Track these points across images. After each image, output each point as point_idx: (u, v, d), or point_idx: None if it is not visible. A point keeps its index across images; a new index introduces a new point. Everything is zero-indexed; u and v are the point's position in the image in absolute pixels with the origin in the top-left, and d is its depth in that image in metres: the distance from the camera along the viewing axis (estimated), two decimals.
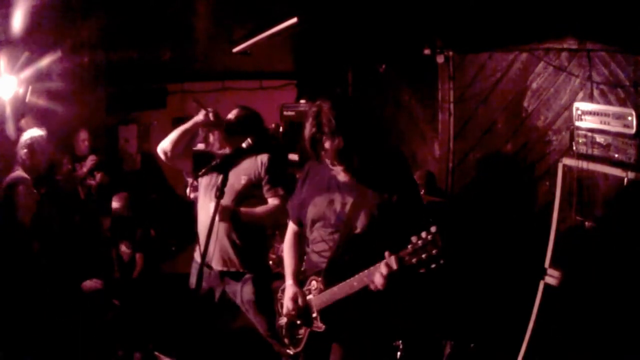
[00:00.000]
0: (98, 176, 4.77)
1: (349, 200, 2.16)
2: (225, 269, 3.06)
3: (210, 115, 2.98)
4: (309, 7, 3.75)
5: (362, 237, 2.12)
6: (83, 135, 4.89)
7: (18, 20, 3.27)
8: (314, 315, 2.22)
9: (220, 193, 2.15)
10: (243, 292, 3.08)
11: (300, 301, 2.25)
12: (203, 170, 2.24)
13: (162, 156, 3.00)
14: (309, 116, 2.10)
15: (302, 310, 2.25)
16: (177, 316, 3.32)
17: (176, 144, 2.95)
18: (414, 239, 1.90)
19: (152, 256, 4.68)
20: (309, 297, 2.25)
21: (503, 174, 4.02)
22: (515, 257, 3.53)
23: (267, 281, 3.27)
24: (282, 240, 4.94)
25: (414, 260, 1.90)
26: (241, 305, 3.15)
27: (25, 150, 3.28)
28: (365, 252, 2.08)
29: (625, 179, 2.76)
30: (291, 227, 2.49)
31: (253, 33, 4.43)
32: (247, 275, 3.07)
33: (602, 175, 2.90)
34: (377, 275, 1.97)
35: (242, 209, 2.97)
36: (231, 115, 3.13)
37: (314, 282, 2.24)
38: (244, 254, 3.06)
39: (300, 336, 2.31)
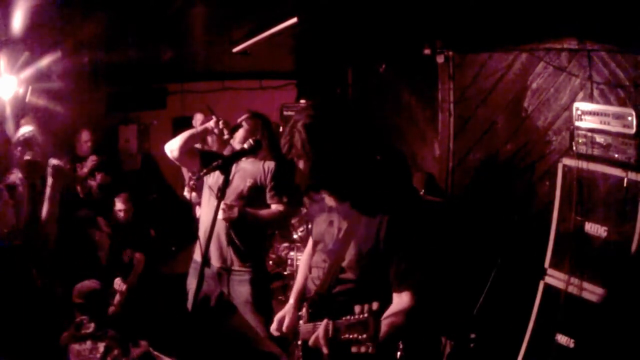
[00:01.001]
0: (99, 177, 4.76)
1: (344, 226, 1.96)
2: (223, 265, 3.06)
3: (220, 124, 3.01)
4: (309, 7, 3.75)
5: (348, 271, 1.93)
6: (85, 135, 4.88)
7: (18, 20, 3.27)
8: (299, 342, 2.09)
9: (221, 193, 2.14)
10: (240, 293, 3.08)
11: (285, 328, 2.13)
12: (204, 171, 2.23)
13: (168, 154, 3.05)
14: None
15: (289, 334, 2.14)
16: (176, 316, 3.32)
17: (183, 145, 3.01)
18: (357, 308, 1.61)
19: (152, 256, 4.68)
20: (300, 322, 2.12)
21: (503, 174, 4.02)
22: (515, 257, 3.53)
23: (265, 282, 3.26)
24: (282, 240, 4.98)
25: (346, 335, 1.62)
26: (239, 306, 3.15)
27: (19, 148, 3.29)
28: (351, 288, 1.92)
29: (625, 179, 2.76)
30: (310, 241, 2.31)
31: (253, 33, 4.44)
32: (245, 276, 3.07)
33: (602, 175, 2.90)
34: (314, 337, 1.74)
35: (248, 209, 3.00)
36: (240, 120, 3.15)
37: (304, 309, 2.10)
38: (242, 254, 3.07)
39: (292, 354, 2.20)
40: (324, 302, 1.97)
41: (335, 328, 1.68)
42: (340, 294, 1.95)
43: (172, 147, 3.02)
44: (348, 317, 1.64)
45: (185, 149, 3.02)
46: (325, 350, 1.72)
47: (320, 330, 1.73)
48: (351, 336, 1.60)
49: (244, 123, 3.12)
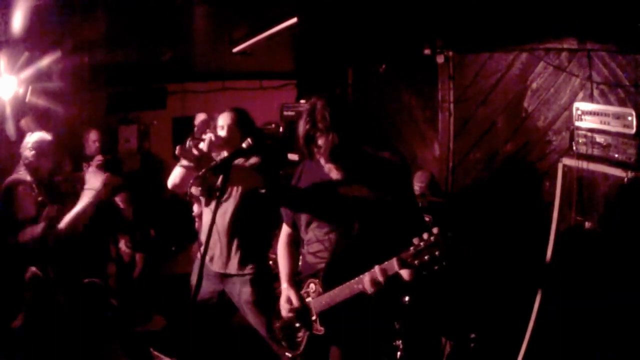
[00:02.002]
0: (103, 177, 4.74)
1: (345, 200, 2.14)
2: (224, 271, 3.07)
3: (213, 139, 2.91)
4: (309, 7, 3.75)
5: (359, 236, 2.10)
6: (93, 135, 4.87)
7: (18, 20, 3.27)
8: (314, 318, 2.19)
9: (220, 193, 2.14)
10: (241, 293, 3.08)
11: (296, 303, 2.23)
12: (203, 171, 2.24)
13: (172, 189, 3.02)
14: (304, 113, 2.08)
15: (300, 313, 2.23)
16: (176, 316, 3.32)
17: (185, 178, 2.94)
18: (415, 240, 1.87)
19: (152, 256, 4.67)
20: (308, 299, 2.22)
21: (503, 174, 4.02)
22: (515, 257, 3.53)
23: (267, 282, 3.26)
24: None
25: (416, 262, 1.87)
26: (240, 306, 3.14)
27: (33, 152, 3.28)
28: (363, 252, 2.06)
29: (625, 179, 2.75)
30: (285, 229, 2.47)
31: (253, 33, 4.43)
32: (246, 277, 3.07)
33: (602, 175, 2.90)
34: (375, 277, 1.96)
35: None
36: (224, 120, 3.11)
37: (312, 285, 2.21)
38: (244, 256, 3.06)
39: (299, 339, 2.28)
40: (337, 270, 2.12)
41: (401, 260, 1.91)
42: (349, 258, 2.10)
43: (175, 184, 2.99)
44: (410, 248, 1.88)
45: (186, 181, 2.94)
46: (373, 289, 1.94)
47: (377, 271, 1.94)
48: (424, 258, 1.85)
49: (220, 117, 3.08)
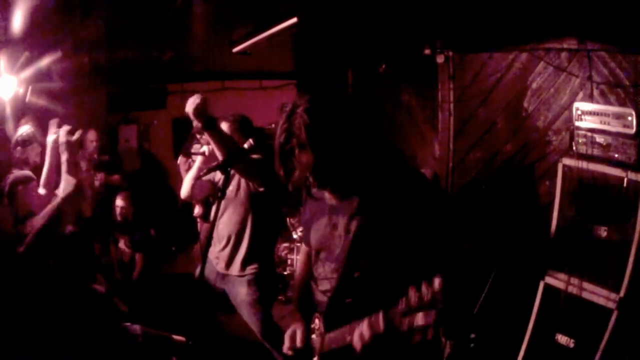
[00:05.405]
0: (99, 176, 4.76)
1: (353, 226, 1.76)
2: (226, 272, 3.08)
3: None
4: (309, 7, 3.75)
5: (365, 277, 1.76)
6: (92, 135, 4.88)
7: (18, 20, 3.27)
8: (315, 359, 1.92)
9: (221, 193, 2.13)
10: (238, 294, 3.09)
11: (298, 341, 1.94)
12: (204, 171, 2.24)
13: (186, 199, 3.29)
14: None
15: (302, 351, 1.95)
16: (176, 315, 3.33)
17: (192, 186, 3.19)
18: (411, 292, 1.43)
19: (152, 256, 4.68)
20: (313, 336, 1.95)
21: (503, 174, 4.02)
22: (516, 257, 3.53)
23: (267, 284, 3.26)
24: (282, 240, 4.98)
25: (404, 323, 1.45)
26: (237, 306, 3.15)
27: (18, 148, 3.33)
28: (369, 294, 1.74)
29: (625, 179, 2.76)
30: (303, 248, 2.16)
31: (253, 33, 4.43)
32: (245, 277, 3.08)
33: (602, 175, 2.90)
34: (357, 335, 1.59)
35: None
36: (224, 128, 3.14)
37: (317, 321, 1.93)
38: (246, 258, 3.06)
39: None
40: (338, 311, 1.81)
41: (387, 319, 1.50)
42: (353, 299, 1.80)
43: (186, 193, 3.23)
44: (401, 302, 1.46)
45: (195, 188, 3.18)
46: (360, 345, 1.58)
47: (364, 325, 1.57)
48: (415, 323, 1.42)
49: (223, 122, 3.14)
